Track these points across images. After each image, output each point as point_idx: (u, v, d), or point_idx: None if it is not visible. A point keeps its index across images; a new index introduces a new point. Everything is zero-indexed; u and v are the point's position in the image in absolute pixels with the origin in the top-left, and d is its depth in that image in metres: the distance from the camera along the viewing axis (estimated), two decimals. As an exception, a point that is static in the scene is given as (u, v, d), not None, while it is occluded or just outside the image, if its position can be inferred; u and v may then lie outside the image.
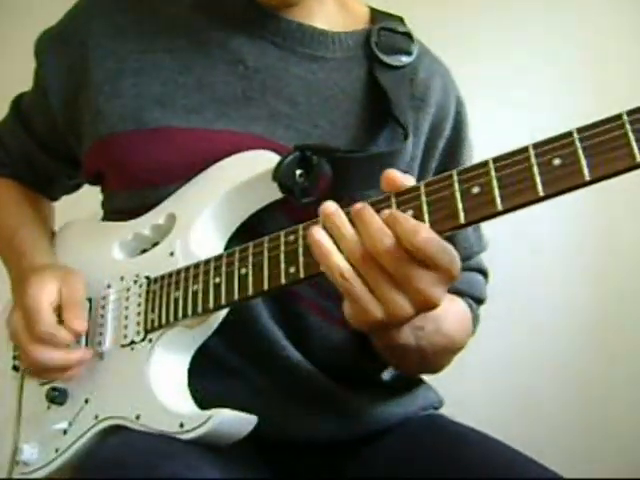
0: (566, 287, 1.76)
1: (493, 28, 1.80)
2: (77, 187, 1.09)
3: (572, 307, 1.77)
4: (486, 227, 0.93)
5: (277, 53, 0.86)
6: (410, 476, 0.76)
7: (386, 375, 0.89)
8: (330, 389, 0.82)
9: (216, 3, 0.88)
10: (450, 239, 0.87)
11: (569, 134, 0.55)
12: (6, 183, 1.03)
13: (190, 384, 0.76)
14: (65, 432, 0.78)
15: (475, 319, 0.92)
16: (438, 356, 0.80)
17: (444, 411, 0.94)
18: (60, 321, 0.79)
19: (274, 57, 0.86)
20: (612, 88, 1.69)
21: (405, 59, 0.89)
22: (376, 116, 0.85)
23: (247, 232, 0.78)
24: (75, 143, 0.91)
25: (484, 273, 0.96)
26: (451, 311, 0.80)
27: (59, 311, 0.80)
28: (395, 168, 0.77)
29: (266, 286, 0.69)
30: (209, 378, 0.79)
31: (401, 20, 0.94)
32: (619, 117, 0.53)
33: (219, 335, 0.77)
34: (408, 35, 0.91)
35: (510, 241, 0.95)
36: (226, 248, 0.79)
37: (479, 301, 0.94)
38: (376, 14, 0.94)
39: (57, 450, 0.78)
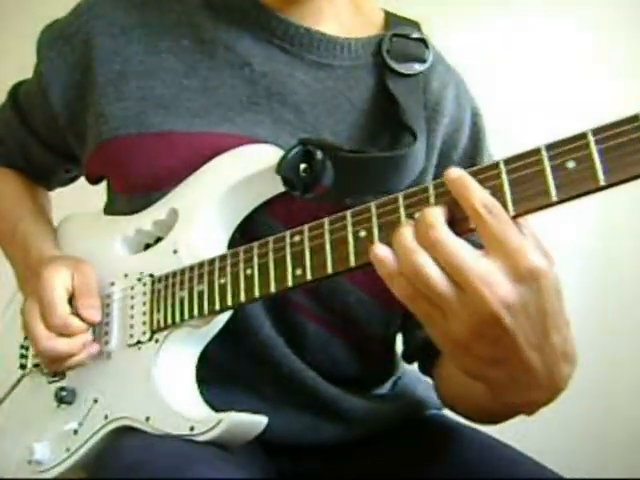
0: (566, 289, 1.77)
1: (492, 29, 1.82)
2: (73, 180, 1.07)
3: (572, 309, 1.78)
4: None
5: (284, 58, 0.82)
6: (412, 477, 0.77)
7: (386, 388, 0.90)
8: (333, 394, 0.82)
9: (224, 4, 0.84)
10: None
11: (583, 135, 0.53)
12: (2, 171, 1.01)
13: None
14: (76, 432, 0.78)
15: None
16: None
17: (445, 411, 0.93)
18: (73, 311, 0.78)
19: (281, 62, 0.82)
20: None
21: (418, 66, 0.84)
22: (384, 127, 0.81)
23: (242, 237, 0.77)
24: (75, 142, 0.89)
25: None
26: None
27: (72, 300, 0.78)
28: (400, 175, 0.75)
29: (273, 288, 0.67)
30: (213, 385, 0.78)
31: (417, 25, 0.89)
32: (636, 118, 0.51)
33: (222, 344, 0.76)
34: (423, 41, 0.86)
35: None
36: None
37: None
38: (391, 19, 0.90)
39: (68, 450, 0.78)
